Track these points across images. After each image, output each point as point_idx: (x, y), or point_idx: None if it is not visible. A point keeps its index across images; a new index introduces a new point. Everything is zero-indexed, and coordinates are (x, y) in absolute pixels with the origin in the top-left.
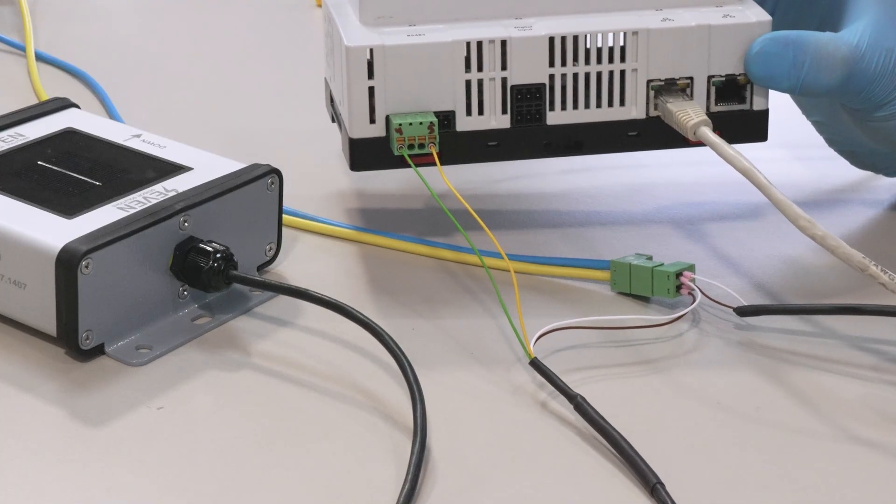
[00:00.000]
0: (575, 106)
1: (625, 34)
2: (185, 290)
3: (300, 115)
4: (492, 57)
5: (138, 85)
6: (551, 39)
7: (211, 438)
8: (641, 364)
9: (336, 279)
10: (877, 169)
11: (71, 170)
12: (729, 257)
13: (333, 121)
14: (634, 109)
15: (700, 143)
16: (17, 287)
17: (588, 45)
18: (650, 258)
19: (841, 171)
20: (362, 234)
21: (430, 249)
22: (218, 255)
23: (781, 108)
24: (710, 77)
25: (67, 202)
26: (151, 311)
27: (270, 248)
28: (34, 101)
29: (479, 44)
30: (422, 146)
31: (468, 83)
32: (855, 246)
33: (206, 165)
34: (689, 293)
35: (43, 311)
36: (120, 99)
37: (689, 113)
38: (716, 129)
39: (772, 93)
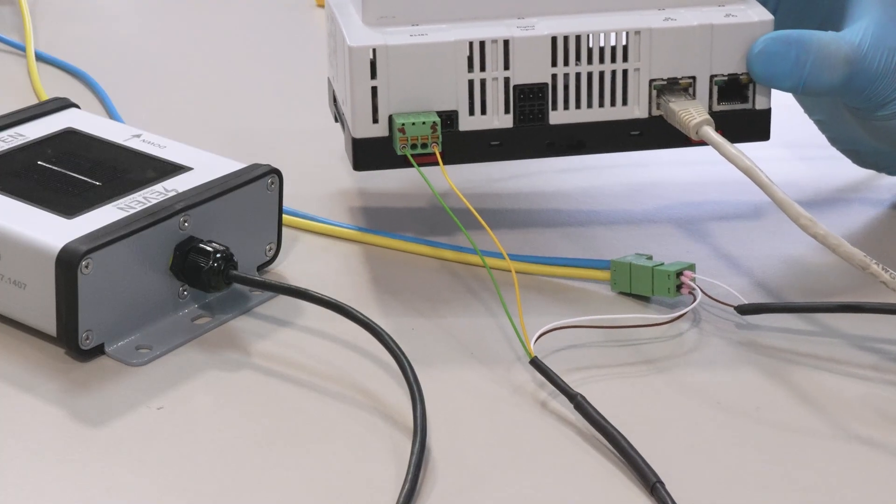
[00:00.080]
0: (577, 105)
1: (627, 34)
2: (185, 290)
3: (300, 115)
4: (494, 57)
5: (138, 85)
6: (554, 39)
7: (211, 438)
8: (642, 363)
9: (336, 279)
10: (879, 168)
11: (71, 170)
12: (730, 257)
13: (336, 121)
14: (637, 109)
15: (702, 143)
16: (17, 287)
17: (590, 45)
18: (650, 258)
19: (842, 170)
20: (363, 233)
21: (431, 249)
22: (218, 255)
23: (783, 107)
24: (712, 76)
25: (67, 202)
26: (151, 311)
27: (270, 248)
28: (34, 101)
29: (482, 43)
30: (424, 146)
31: (471, 83)
32: (856, 245)
33: (206, 165)
34: (690, 292)
35: (43, 311)
36: (120, 99)
37: (692, 112)
38: (718, 129)
39: (774, 92)
